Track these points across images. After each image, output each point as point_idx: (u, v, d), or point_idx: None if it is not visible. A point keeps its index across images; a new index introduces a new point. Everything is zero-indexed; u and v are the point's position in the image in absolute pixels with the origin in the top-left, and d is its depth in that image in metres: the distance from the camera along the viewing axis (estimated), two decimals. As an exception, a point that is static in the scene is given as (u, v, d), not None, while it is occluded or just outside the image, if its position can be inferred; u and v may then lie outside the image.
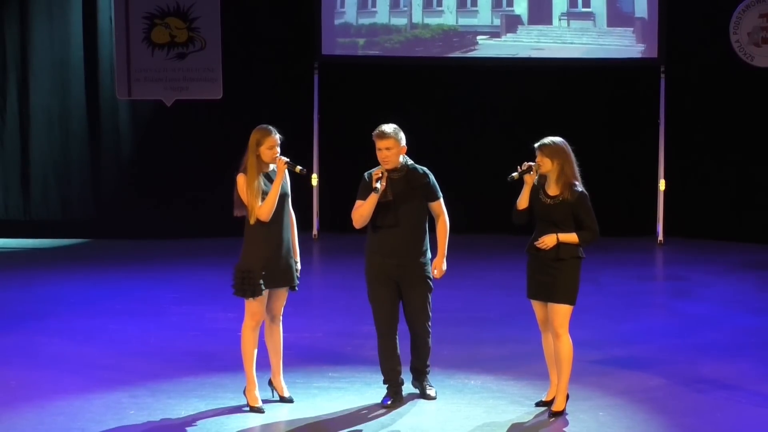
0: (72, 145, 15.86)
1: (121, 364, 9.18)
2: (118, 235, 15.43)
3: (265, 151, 7.86)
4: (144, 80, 15.54)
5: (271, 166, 7.96)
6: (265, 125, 7.98)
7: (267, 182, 7.94)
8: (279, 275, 7.95)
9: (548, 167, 7.80)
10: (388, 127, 7.96)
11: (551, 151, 7.79)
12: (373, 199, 7.86)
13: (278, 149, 7.90)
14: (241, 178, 7.89)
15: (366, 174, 8.04)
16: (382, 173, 7.90)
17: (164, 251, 14.64)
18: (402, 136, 7.99)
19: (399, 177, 7.95)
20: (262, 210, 7.84)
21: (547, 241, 7.76)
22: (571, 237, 7.78)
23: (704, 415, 7.96)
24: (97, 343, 9.88)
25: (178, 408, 8.03)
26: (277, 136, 7.90)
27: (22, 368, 9.03)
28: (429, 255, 8.09)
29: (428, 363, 8.28)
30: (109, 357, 9.40)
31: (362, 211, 7.93)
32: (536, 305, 7.99)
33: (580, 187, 7.82)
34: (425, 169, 8.07)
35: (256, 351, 8.03)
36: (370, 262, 8.04)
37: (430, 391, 8.24)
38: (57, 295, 11.92)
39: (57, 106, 15.81)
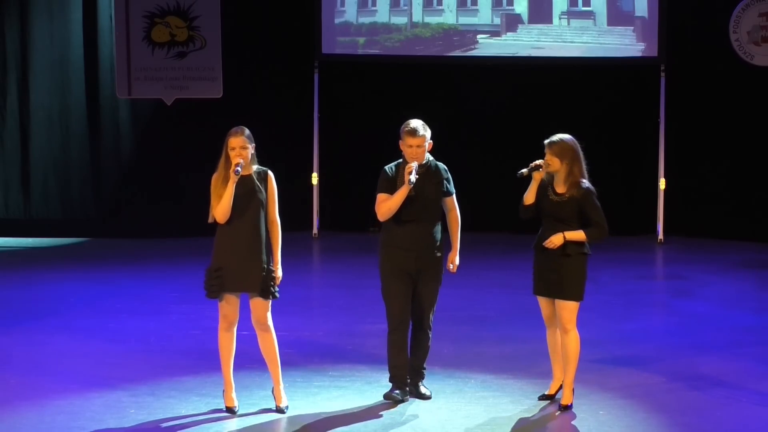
0: (72, 144, 15.86)
1: (121, 363, 9.18)
2: (118, 235, 15.43)
3: (228, 152, 7.80)
4: (144, 79, 15.54)
5: (254, 167, 7.86)
6: (238, 126, 7.84)
7: (257, 185, 7.83)
8: (237, 279, 7.80)
9: (557, 166, 7.81)
10: (418, 124, 7.98)
11: (560, 149, 7.80)
12: (404, 191, 7.85)
13: (246, 151, 7.70)
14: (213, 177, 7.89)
15: (387, 168, 8.03)
16: (413, 167, 7.86)
17: (164, 250, 14.63)
18: (429, 132, 8.03)
19: (422, 172, 7.94)
20: (216, 211, 7.80)
21: (555, 240, 7.78)
22: (579, 235, 7.79)
23: (704, 413, 7.97)
24: (97, 342, 9.88)
25: (178, 407, 8.03)
26: (240, 138, 7.71)
27: (22, 368, 9.02)
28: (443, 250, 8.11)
29: (425, 365, 8.25)
30: (109, 356, 9.40)
31: (391, 204, 7.90)
32: (542, 301, 8.03)
33: (586, 183, 7.83)
34: (445, 166, 8.11)
35: (232, 353, 7.93)
36: (388, 255, 8.00)
37: (425, 390, 8.21)
38: (57, 294, 11.92)
39: (57, 105, 15.82)
